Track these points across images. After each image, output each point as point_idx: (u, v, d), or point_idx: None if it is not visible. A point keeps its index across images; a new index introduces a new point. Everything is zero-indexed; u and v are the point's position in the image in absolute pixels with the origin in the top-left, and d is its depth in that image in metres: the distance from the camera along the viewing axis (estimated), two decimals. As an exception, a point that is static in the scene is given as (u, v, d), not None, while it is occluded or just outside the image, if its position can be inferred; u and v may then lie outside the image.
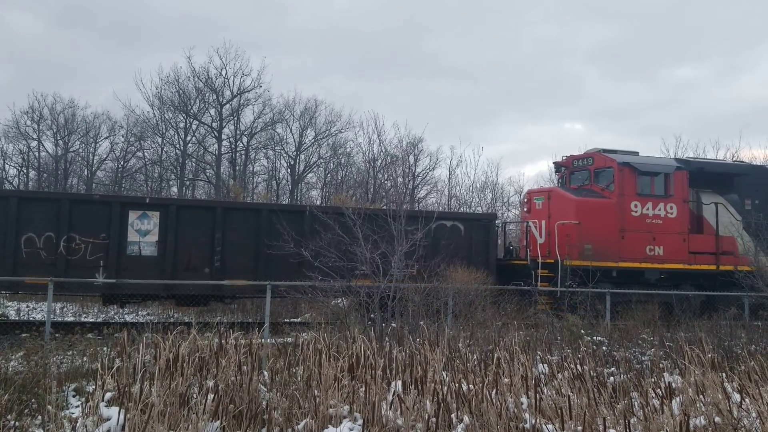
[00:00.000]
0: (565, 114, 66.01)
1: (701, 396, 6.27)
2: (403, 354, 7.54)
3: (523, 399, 6.09)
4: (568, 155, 18.82)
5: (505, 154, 68.96)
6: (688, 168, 17.81)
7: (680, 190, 17.44)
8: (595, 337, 11.33)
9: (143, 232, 14.50)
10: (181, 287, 14.25)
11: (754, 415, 5.73)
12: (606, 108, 64.84)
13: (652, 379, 7.31)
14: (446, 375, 6.82)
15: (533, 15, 69.61)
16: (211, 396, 5.40)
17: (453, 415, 5.55)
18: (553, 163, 19.43)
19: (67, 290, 15.03)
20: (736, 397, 6.10)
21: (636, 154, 18.18)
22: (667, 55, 66.62)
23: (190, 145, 40.25)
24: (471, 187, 41.20)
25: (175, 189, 40.37)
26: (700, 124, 59.94)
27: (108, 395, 5.81)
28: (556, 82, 65.91)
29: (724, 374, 7.18)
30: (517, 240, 21.06)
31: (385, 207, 17.89)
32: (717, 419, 5.64)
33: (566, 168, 18.73)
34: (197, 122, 39.89)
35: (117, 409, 5.41)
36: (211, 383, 5.80)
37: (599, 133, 62.76)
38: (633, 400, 6.41)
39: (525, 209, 19.00)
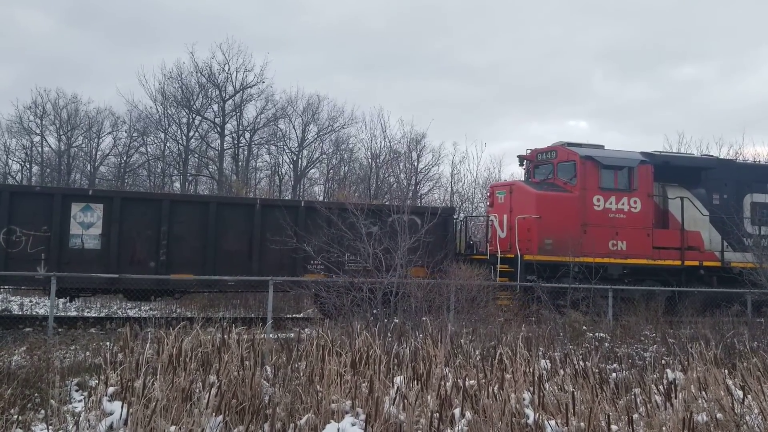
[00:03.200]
0: (570, 112, 66.01)
1: (703, 392, 6.26)
2: (406, 350, 7.54)
3: (526, 395, 6.09)
4: (533, 148, 18.61)
5: (509, 151, 68.99)
6: (653, 162, 17.60)
7: (645, 184, 17.25)
8: (597, 334, 11.34)
9: (86, 225, 14.25)
10: (126, 281, 13.97)
11: (756, 411, 5.73)
12: (611, 106, 64.92)
13: (655, 376, 7.31)
14: (448, 371, 6.82)
15: (540, 14, 69.62)
16: (213, 391, 5.41)
17: (456, 411, 5.56)
18: (518, 156, 19.19)
19: (8, 284, 14.91)
20: (739, 393, 6.10)
21: (601, 147, 17.99)
22: (672, 54, 66.62)
23: (192, 140, 40.32)
24: (473, 183, 41.14)
25: (177, 184, 40.47)
26: (704, 122, 60.07)
27: (111, 390, 5.82)
28: (561, 80, 66.01)
29: (726, 371, 7.17)
30: (481, 235, 20.81)
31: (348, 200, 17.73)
32: (719, 416, 5.63)
33: (530, 162, 18.55)
34: (200, 118, 39.94)
35: (120, 403, 5.42)
36: (213, 378, 5.81)
37: (604, 130, 62.84)
38: (635, 397, 6.41)
39: (488, 203, 18.85)
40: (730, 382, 6.51)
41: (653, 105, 63.53)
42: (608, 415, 5.18)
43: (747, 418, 5.67)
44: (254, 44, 59.89)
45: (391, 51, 63.59)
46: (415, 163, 40.98)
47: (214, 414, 5.36)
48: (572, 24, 69.84)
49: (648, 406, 5.86)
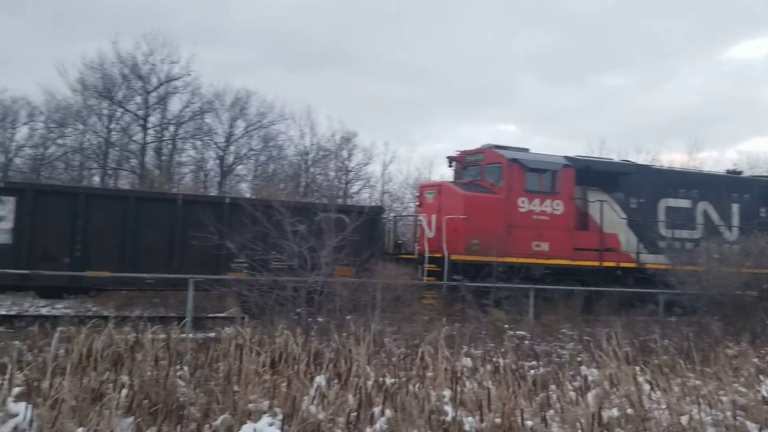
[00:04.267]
0: (500, 115, 67.45)
1: (615, 388, 6.46)
2: (328, 348, 7.50)
3: (446, 392, 6.14)
4: (462, 150, 18.91)
5: (439, 152, 69.87)
6: (575, 166, 18.15)
7: (567, 188, 17.76)
8: (518, 332, 11.56)
9: None
10: (39, 277, 13.36)
11: (664, 406, 5.94)
12: (539, 111, 66.61)
13: (570, 373, 7.50)
14: (371, 369, 6.82)
15: (472, 19, 70.73)
16: (124, 391, 5.23)
17: (376, 409, 5.55)
18: (447, 157, 19.44)
19: None
20: (648, 389, 6.33)
21: (527, 150, 18.44)
22: (597, 62, 69.07)
23: (113, 133, 39.00)
24: (404, 183, 41.37)
25: (97, 178, 39.11)
26: (624, 128, 62.50)
27: (16, 390, 5.55)
28: (492, 84, 67.27)
29: (638, 367, 7.43)
30: (410, 234, 20.95)
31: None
32: (629, 411, 5.82)
33: (459, 163, 18.85)
34: (122, 109, 38.66)
35: (25, 404, 5.18)
36: (125, 378, 5.62)
37: (532, 134, 64.46)
38: (551, 393, 6.55)
39: (417, 203, 19.06)
40: (640, 379, 6.74)
41: (578, 111, 65.69)
42: (522, 411, 5.28)
43: (656, 413, 5.88)
44: (183, 38, 58.68)
45: (325, 49, 63.30)
46: (346, 162, 40.97)
47: (125, 414, 5.18)
48: (503, 30, 71.33)
49: (562, 401, 6.00)
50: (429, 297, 15.39)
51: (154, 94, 38.56)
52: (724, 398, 6.28)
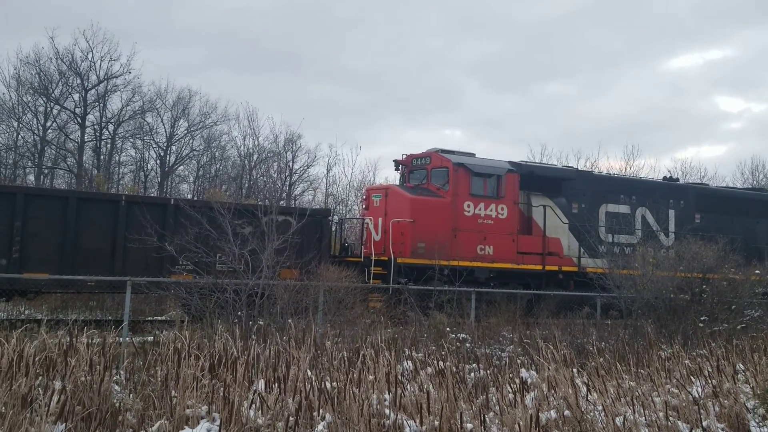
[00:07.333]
0: (446, 121, 67.91)
1: (553, 390, 6.57)
2: (269, 352, 7.42)
3: (387, 395, 6.15)
4: (408, 154, 19.02)
5: (385, 155, 70.18)
6: (519, 171, 18.53)
7: (511, 192, 18.08)
8: (459, 335, 11.65)
9: None
10: None
11: (600, 407, 6.08)
12: (484, 117, 67.49)
13: (510, 375, 7.60)
14: (312, 373, 6.77)
15: (420, 27, 71.26)
16: (56, 397, 5.06)
17: (315, 413, 5.51)
18: (394, 160, 19.49)
19: None
20: (585, 391, 6.46)
21: (473, 155, 18.70)
22: (540, 71, 70.45)
23: (50, 131, 37.77)
24: (348, 186, 41.23)
25: (32, 177, 37.82)
26: (565, 135, 63.81)
27: (-60, 398, 5.32)
28: (438, 90, 67.79)
29: (575, 370, 7.58)
30: (356, 237, 20.91)
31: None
32: (567, 412, 5.93)
33: (406, 166, 18.96)
34: (59, 107, 37.46)
35: (-51, 413, 4.97)
36: (58, 384, 5.44)
37: (477, 139, 65.29)
38: (491, 395, 6.62)
39: (364, 206, 19.14)
40: (577, 381, 6.87)
41: (522, 117, 66.84)
42: (461, 413, 5.31)
43: (592, 414, 6.00)
44: (124, 35, 57.02)
45: (271, 51, 62.85)
46: (291, 164, 40.62)
47: (57, 421, 5.02)
48: (450, 38, 72.01)
49: (501, 404, 6.07)
50: (375, 300, 15.39)
51: (92, 91, 37.47)
52: (657, 399, 6.46)
